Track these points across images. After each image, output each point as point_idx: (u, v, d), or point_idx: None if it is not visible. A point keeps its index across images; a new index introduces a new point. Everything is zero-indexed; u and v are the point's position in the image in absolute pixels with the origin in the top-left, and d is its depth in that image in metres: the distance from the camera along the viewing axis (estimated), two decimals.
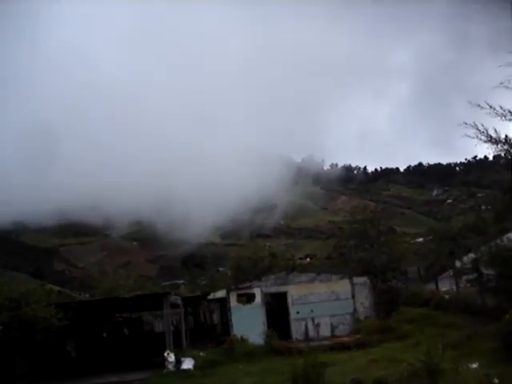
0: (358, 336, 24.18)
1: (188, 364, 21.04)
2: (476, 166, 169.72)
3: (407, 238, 59.32)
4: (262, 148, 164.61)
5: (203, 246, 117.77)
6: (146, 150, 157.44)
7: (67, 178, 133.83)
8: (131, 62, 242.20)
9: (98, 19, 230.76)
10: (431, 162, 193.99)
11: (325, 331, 26.86)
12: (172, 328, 25.46)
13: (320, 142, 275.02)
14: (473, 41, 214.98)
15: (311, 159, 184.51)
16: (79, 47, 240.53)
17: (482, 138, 13.39)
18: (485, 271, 22.25)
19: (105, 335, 33.57)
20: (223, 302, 28.99)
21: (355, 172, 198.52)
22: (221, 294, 28.47)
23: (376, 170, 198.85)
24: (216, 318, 37.88)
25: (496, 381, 11.41)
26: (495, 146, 13.52)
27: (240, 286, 28.19)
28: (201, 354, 22.48)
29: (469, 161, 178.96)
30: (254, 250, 44.22)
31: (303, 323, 27.10)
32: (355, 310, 27.38)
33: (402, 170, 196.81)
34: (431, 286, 37.14)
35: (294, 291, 27.48)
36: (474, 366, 13.55)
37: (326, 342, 23.94)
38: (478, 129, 13.30)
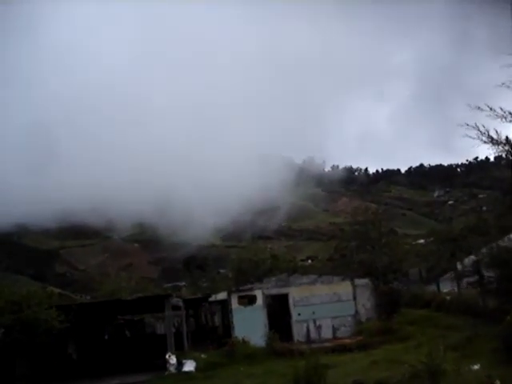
0: (360, 338, 24.21)
1: (189, 366, 21.06)
2: (477, 167, 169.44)
3: (408, 240, 59.32)
4: (263, 150, 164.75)
5: (204, 247, 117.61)
6: (146, 151, 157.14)
7: (69, 179, 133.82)
8: (131, 61, 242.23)
9: (98, 19, 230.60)
10: (432, 163, 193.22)
11: (326, 333, 26.86)
12: (173, 330, 25.47)
13: (321, 144, 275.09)
14: (473, 42, 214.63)
15: (312, 161, 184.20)
16: (79, 47, 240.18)
17: (483, 139, 13.47)
18: (486, 273, 22.24)
19: (106, 337, 33.48)
20: (224, 304, 28.94)
21: (356, 173, 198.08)
22: (222, 295, 28.51)
23: (377, 171, 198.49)
24: (217, 320, 37.80)
25: (497, 382, 11.43)
26: (496, 147, 13.57)
27: (241, 288, 28.18)
28: (202, 356, 22.50)
29: (470, 162, 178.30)
30: (255, 252, 44.33)
31: (305, 325, 27.08)
32: (357, 311, 27.37)
33: (403, 171, 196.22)
34: (432, 288, 37.17)
35: (296, 293, 27.47)
36: (476, 367, 13.58)
37: (327, 344, 24.00)
38: (479, 130, 13.38)
